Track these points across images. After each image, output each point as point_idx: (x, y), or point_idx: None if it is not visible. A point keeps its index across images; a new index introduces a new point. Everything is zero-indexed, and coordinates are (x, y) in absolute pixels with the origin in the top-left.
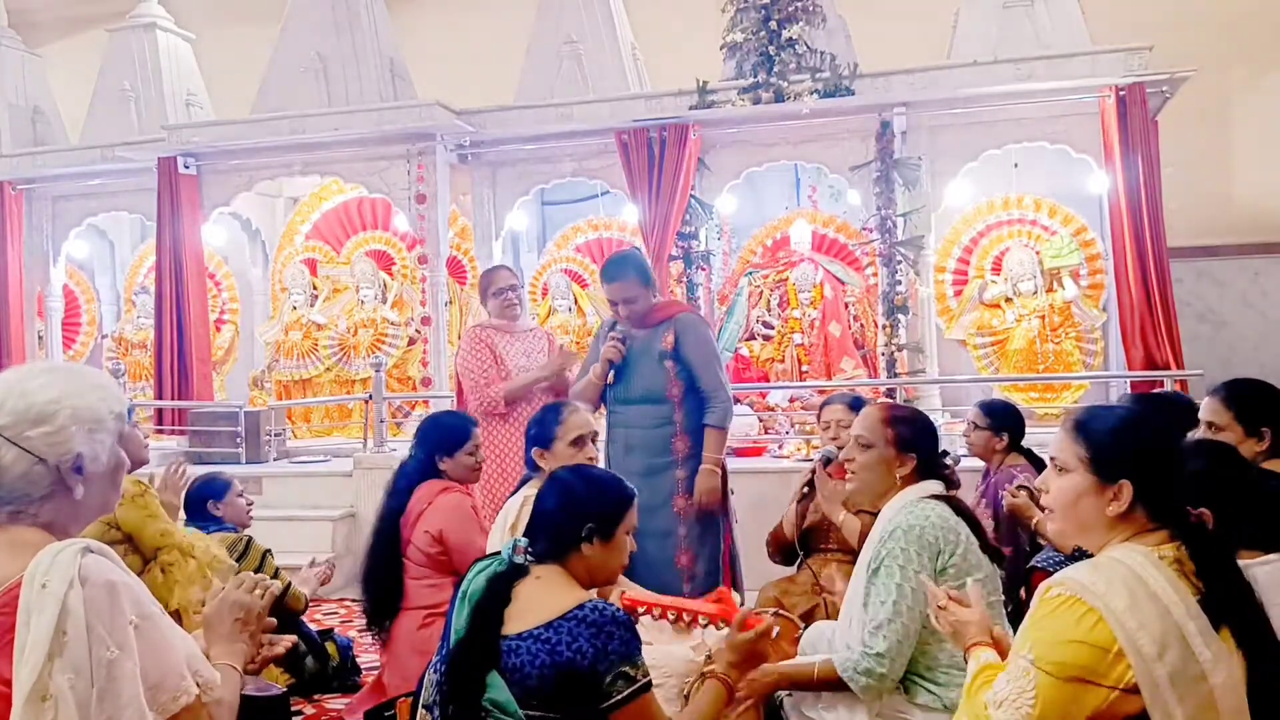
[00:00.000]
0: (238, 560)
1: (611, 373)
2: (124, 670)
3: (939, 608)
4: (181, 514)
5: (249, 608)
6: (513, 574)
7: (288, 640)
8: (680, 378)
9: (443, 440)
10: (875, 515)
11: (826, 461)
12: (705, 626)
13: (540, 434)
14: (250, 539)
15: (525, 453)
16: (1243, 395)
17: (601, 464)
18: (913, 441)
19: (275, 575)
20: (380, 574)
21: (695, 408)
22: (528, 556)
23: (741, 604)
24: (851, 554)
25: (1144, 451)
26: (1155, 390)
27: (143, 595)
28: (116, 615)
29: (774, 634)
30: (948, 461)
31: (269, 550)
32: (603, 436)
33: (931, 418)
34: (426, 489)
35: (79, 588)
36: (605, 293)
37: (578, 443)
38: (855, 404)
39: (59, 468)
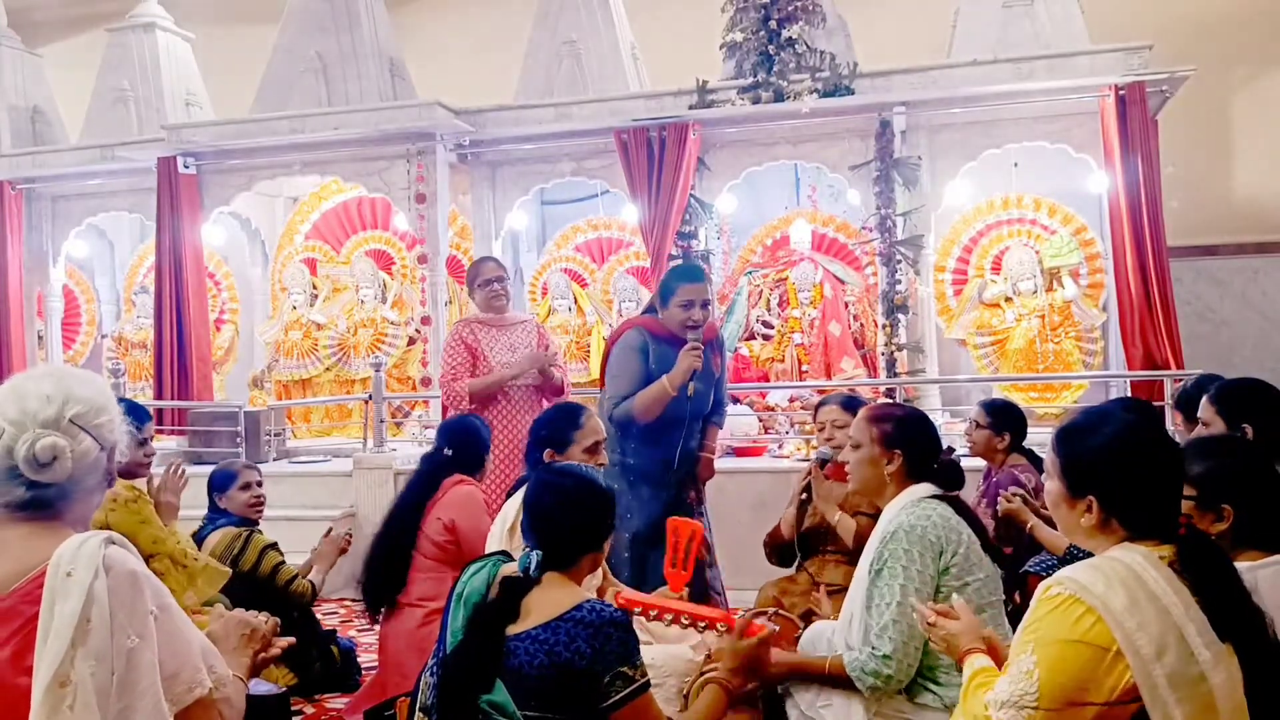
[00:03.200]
0: (238, 555)
1: (691, 386)
2: (143, 659)
3: (929, 624)
4: (187, 511)
5: (255, 628)
6: (526, 586)
7: (285, 643)
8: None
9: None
10: (874, 517)
11: (822, 463)
12: (704, 630)
13: (555, 436)
14: (250, 534)
15: (530, 453)
16: (1227, 391)
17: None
18: (898, 438)
19: (277, 568)
20: (385, 560)
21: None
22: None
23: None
24: (849, 556)
25: (1109, 471)
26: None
27: (161, 587)
28: (139, 604)
29: (769, 616)
30: (953, 458)
31: (272, 544)
32: (631, 445)
33: (931, 417)
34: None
35: (104, 576)
36: (686, 293)
37: (593, 449)
38: (849, 404)
39: (110, 455)
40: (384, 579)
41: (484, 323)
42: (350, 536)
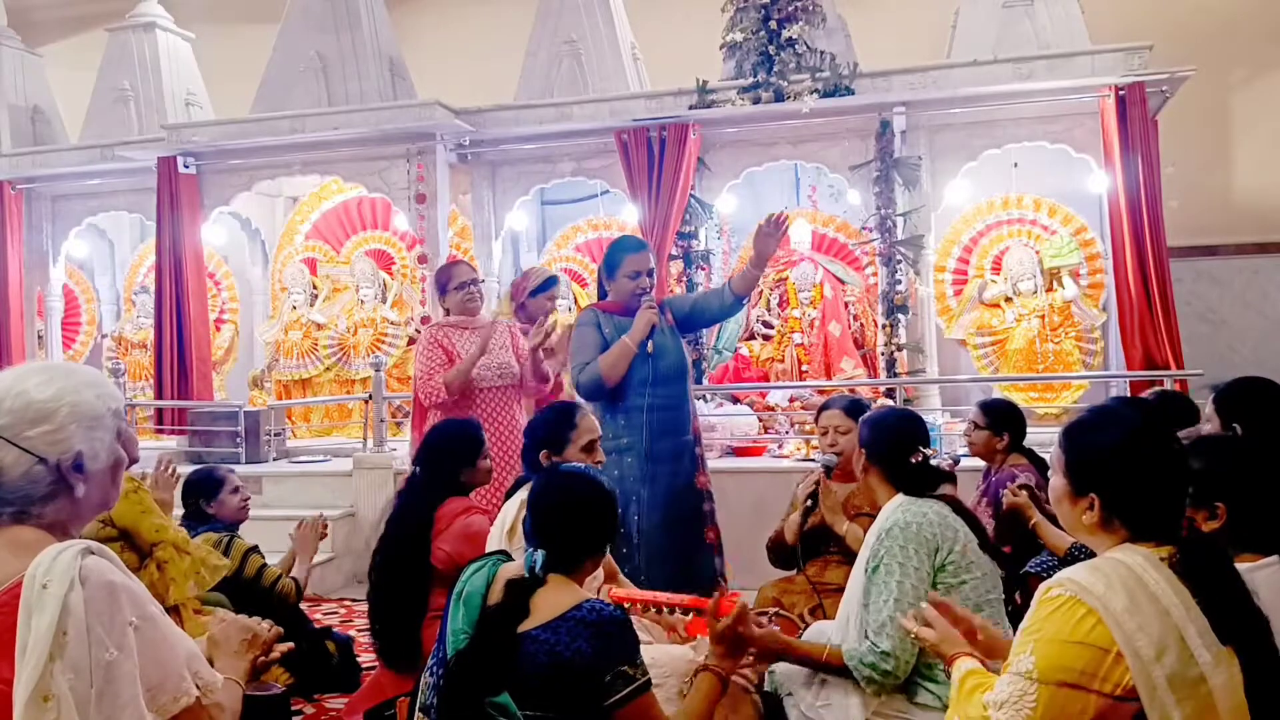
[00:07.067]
0: None
1: (650, 343)
2: (123, 671)
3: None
4: (178, 510)
5: (257, 633)
6: (532, 586)
7: (284, 648)
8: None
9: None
10: (874, 518)
11: (828, 471)
12: (688, 615)
13: (551, 437)
14: (232, 539)
15: (527, 454)
16: (1226, 391)
17: (613, 454)
18: (862, 436)
19: (261, 570)
20: (396, 620)
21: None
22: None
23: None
24: (850, 557)
25: (1113, 471)
26: (1157, 390)
27: (143, 596)
28: (116, 616)
29: (769, 617)
30: (938, 464)
31: (253, 548)
32: (620, 423)
33: (929, 418)
34: (450, 506)
35: (79, 588)
36: (632, 263)
37: (589, 447)
38: (851, 408)
39: (59, 466)
40: (401, 638)
41: (456, 326)
42: (326, 522)
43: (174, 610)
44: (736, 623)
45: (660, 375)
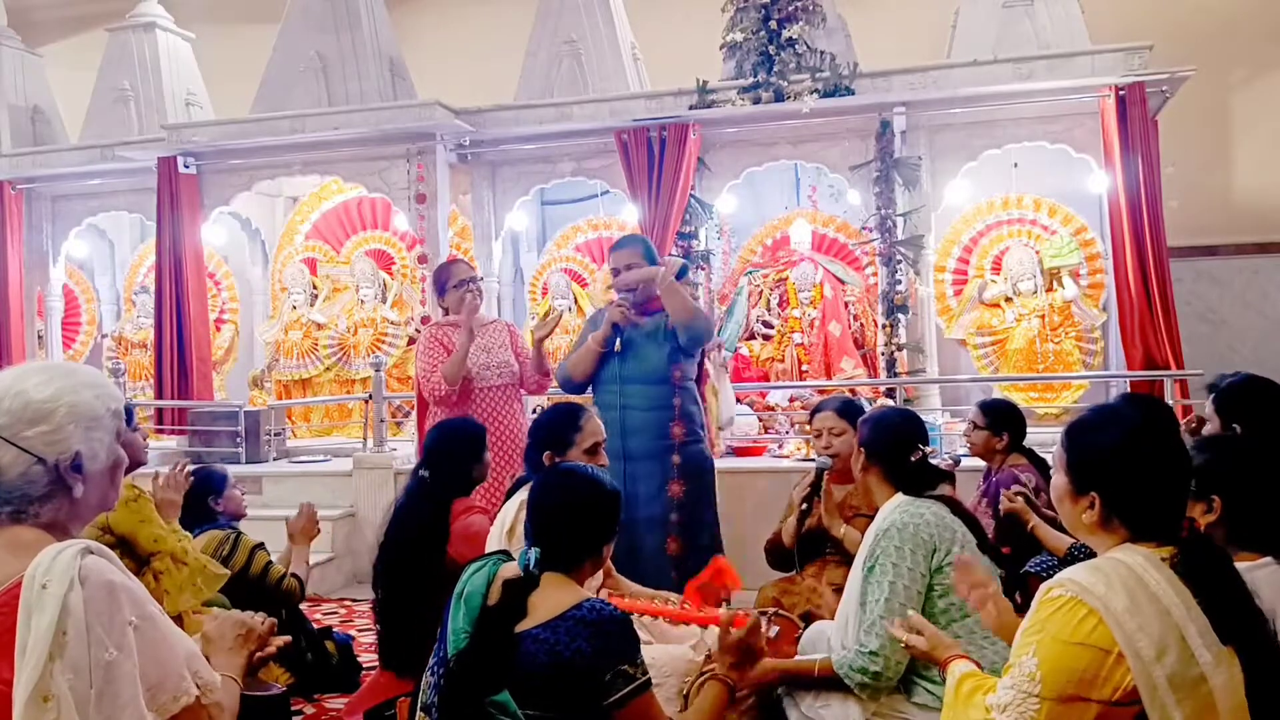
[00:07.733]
0: (227, 557)
1: (619, 341)
2: (123, 671)
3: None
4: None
5: (251, 628)
6: (529, 586)
7: (280, 641)
8: (680, 360)
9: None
10: (872, 519)
11: (820, 474)
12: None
13: (554, 438)
14: (239, 535)
15: (530, 454)
16: (1226, 389)
17: None
18: (866, 437)
19: (267, 567)
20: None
21: (690, 393)
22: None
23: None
24: (850, 559)
25: (1114, 471)
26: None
27: (142, 596)
28: (116, 616)
29: (768, 630)
30: (937, 463)
31: (260, 544)
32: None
33: (929, 418)
34: (455, 506)
35: (79, 588)
36: (611, 261)
37: (593, 450)
38: (845, 410)
39: (57, 466)
40: (409, 640)
41: (456, 324)
42: (315, 509)
43: (175, 620)
44: (751, 634)
45: (629, 375)
